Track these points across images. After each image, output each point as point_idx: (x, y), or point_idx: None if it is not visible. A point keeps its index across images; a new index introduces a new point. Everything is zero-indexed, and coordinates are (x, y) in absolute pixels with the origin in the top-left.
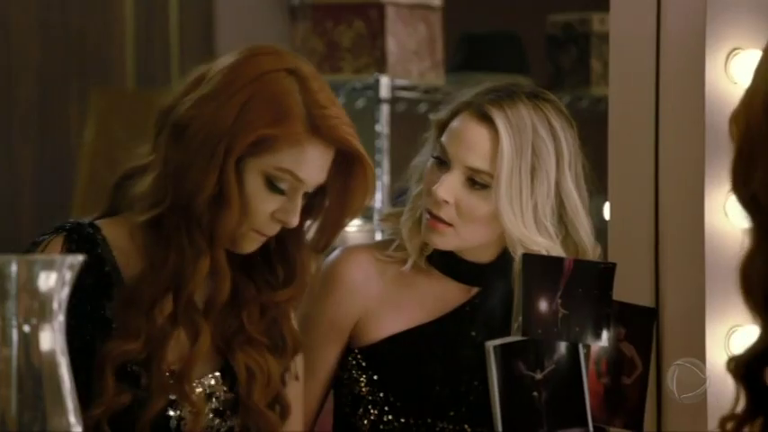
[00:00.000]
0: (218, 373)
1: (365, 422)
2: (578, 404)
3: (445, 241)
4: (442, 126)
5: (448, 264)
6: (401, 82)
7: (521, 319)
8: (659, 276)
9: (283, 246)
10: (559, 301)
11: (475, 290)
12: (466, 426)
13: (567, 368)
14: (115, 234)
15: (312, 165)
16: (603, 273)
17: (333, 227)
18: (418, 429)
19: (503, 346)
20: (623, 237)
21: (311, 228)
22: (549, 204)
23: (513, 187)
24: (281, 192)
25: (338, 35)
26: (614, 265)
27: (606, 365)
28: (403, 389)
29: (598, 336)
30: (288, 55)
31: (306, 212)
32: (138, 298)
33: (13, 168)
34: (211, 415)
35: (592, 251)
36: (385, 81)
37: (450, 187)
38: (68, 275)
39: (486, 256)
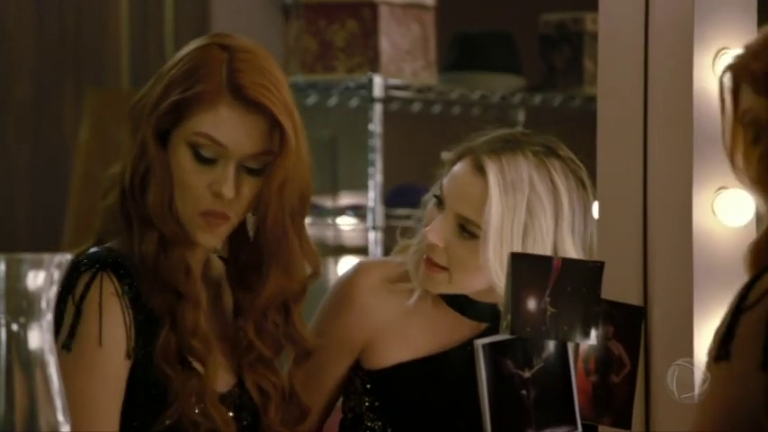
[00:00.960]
0: (238, 389)
1: None
2: (567, 402)
3: (437, 286)
4: (451, 166)
5: (457, 300)
6: (394, 81)
7: (509, 317)
8: (647, 275)
9: (264, 240)
10: (548, 299)
11: (483, 326)
12: None
13: (555, 366)
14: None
15: (232, 129)
16: (592, 271)
17: (265, 204)
18: None
19: (491, 344)
20: (612, 235)
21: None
22: None
23: (503, 242)
24: (209, 161)
25: (331, 34)
26: (602, 263)
27: (595, 364)
28: (402, 420)
29: (586, 334)
30: (229, 37)
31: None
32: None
33: (9, 168)
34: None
35: None
36: (378, 80)
37: (440, 231)
38: (56, 274)
39: (494, 297)
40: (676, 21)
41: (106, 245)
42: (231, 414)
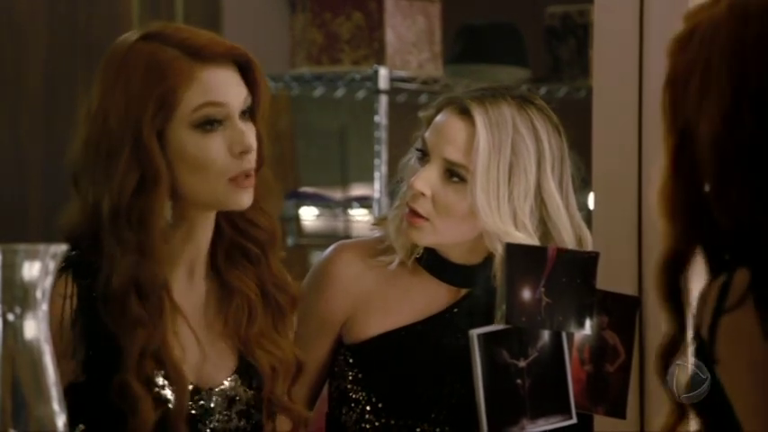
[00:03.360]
0: (235, 375)
1: (349, 419)
2: (562, 392)
3: (422, 236)
4: (430, 122)
5: (435, 265)
6: (400, 73)
7: (504, 307)
8: (642, 265)
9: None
10: (543, 289)
11: (463, 292)
12: (447, 428)
13: (550, 356)
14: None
15: (219, 85)
16: (587, 262)
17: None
18: (399, 430)
19: (486, 334)
20: (607, 226)
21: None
22: (528, 203)
23: (491, 182)
24: (217, 123)
25: (337, 27)
26: (597, 254)
27: (589, 353)
28: (385, 389)
29: (581, 324)
30: (131, 33)
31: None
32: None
33: (21, 160)
34: (236, 418)
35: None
36: (384, 72)
37: (427, 179)
38: (51, 265)
39: (473, 257)
40: (671, 12)
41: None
42: (221, 408)
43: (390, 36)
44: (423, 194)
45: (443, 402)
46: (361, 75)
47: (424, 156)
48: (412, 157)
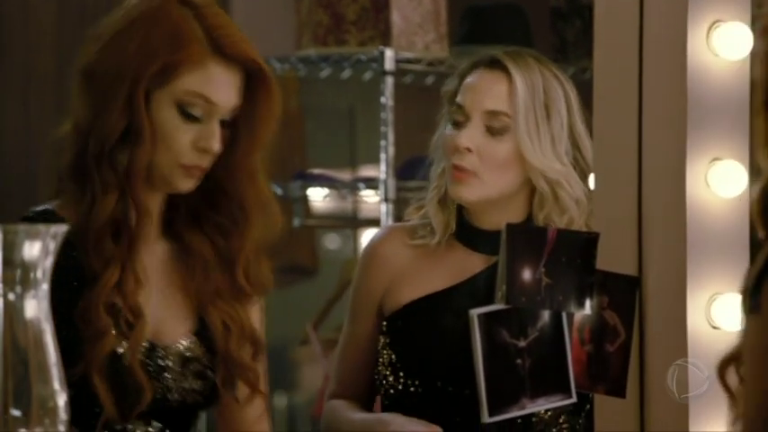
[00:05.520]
0: (192, 335)
1: (382, 386)
2: (562, 371)
3: (471, 191)
4: (453, 95)
5: (470, 236)
6: (406, 55)
7: (504, 287)
8: (642, 245)
9: (225, 186)
10: (543, 270)
11: (494, 258)
12: (467, 391)
13: (550, 336)
14: (67, 213)
15: (220, 85)
16: (587, 242)
17: (244, 158)
18: (425, 392)
19: (486, 314)
20: (607, 206)
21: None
22: (563, 143)
23: (530, 123)
24: (196, 119)
25: (343, 8)
26: (597, 234)
27: (589, 333)
28: (410, 352)
29: (581, 304)
30: None
31: (231, 144)
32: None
33: (31, 141)
34: (191, 378)
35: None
36: (389, 54)
37: (470, 135)
38: (52, 245)
39: (502, 214)
40: None
41: (45, 206)
42: (175, 365)
43: (396, 17)
44: (468, 150)
45: (467, 366)
46: (367, 56)
47: (460, 119)
48: (440, 134)
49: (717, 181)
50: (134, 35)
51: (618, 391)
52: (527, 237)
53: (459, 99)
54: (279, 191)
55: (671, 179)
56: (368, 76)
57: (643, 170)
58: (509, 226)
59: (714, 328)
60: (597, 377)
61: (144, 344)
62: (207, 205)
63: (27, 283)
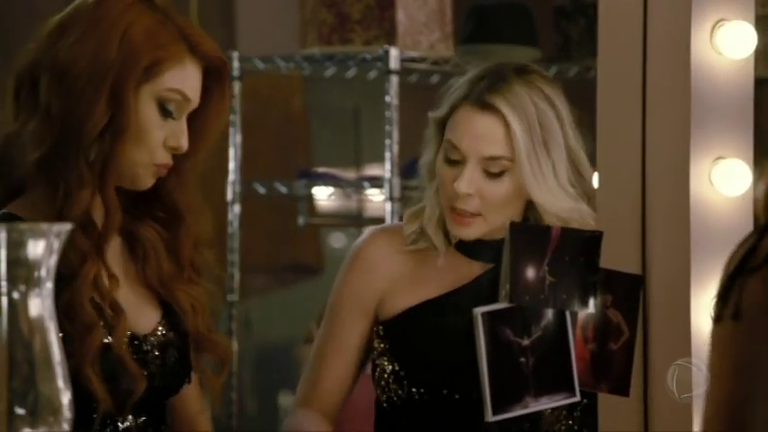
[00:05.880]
0: (163, 320)
1: (383, 393)
2: (565, 370)
3: (475, 231)
4: (442, 122)
5: (469, 247)
6: (411, 54)
7: (508, 286)
8: (645, 244)
9: (167, 183)
10: (547, 268)
11: (490, 266)
12: (472, 394)
13: (554, 334)
14: (31, 212)
15: (193, 83)
16: (590, 240)
17: (185, 159)
18: (423, 399)
19: (490, 312)
20: (611, 205)
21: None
22: (565, 167)
23: (533, 164)
24: (172, 116)
25: (348, 7)
26: (601, 233)
27: (593, 332)
28: (410, 359)
29: (585, 303)
30: None
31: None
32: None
33: None
34: (171, 363)
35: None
36: (394, 53)
37: (470, 180)
38: (56, 243)
39: (497, 233)
40: None
41: (2, 211)
42: (157, 353)
43: (401, 16)
44: (469, 195)
45: (468, 370)
46: (371, 55)
47: (456, 159)
48: (430, 156)
49: (720, 179)
50: (110, 33)
51: (621, 389)
52: (530, 235)
53: (452, 138)
54: (283, 189)
55: (674, 178)
56: (373, 75)
57: (647, 169)
58: (513, 225)
59: None
60: (601, 375)
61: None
62: (142, 197)
63: (31, 282)
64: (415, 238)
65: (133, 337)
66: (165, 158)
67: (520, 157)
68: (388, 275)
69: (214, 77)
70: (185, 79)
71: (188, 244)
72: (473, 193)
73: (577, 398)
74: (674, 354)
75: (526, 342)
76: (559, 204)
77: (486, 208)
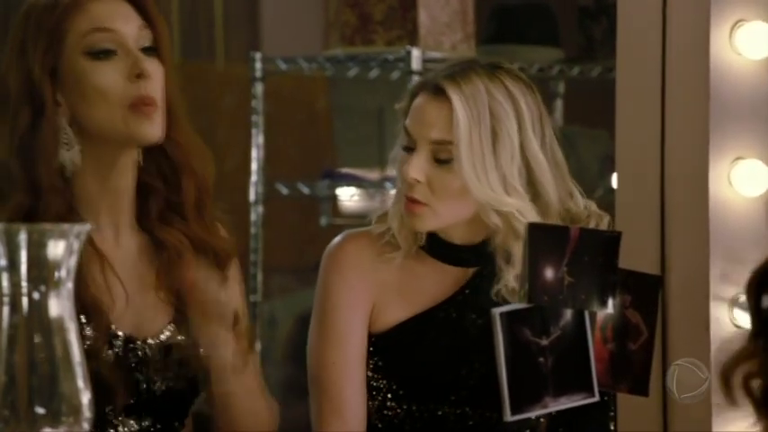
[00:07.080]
0: (172, 325)
1: (372, 407)
2: (584, 370)
3: (424, 222)
4: (406, 112)
5: (440, 250)
6: (433, 54)
7: (527, 286)
8: (665, 244)
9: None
10: (565, 269)
11: (471, 272)
12: (467, 409)
13: (572, 334)
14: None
15: (108, 14)
16: (609, 241)
17: (169, 89)
18: (421, 415)
19: (509, 312)
20: (630, 205)
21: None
22: (515, 166)
23: (475, 153)
24: (109, 54)
25: (370, 7)
26: (620, 233)
27: (612, 332)
28: (405, 375)
29: (604, 303)
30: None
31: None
32: None
33: None
34: (175, 365)
35: (557, 212)
36: (416, 53)
37: (417, 166)
38: (76, 244)
39: (475, 236)
40: None
41: None
42: (158, 357)
43: (423, 17)
44: (417, 181)
45: (463, 384)
46: (394, 56)
47: (410, 146)
48: (396, 149)
49: (739, 180)
50: (15, 41)
51: (641, 389)
52: (549, 236)
53: (407, 124)
54: (306, 190)
55: (694, 178)
56: (395, 75)
57: (666, 169)
58: (531, 225)
59: (737, 327)
60: (620, 376)
61: (119, 337)
62: (167, 190)
63: (51, 282)
64: (388, 239)
65: (130, 339)
66: (134, 92)
67: (459, 143)
68: (377, 282)
69: (139, 4)
70: (94, 18)
71: (205, 231)
72: (421, 179)
73: (596, 398)
74: (693, 354)
75: (545, 342)
76: (498, 198)
77: (436, 198)
